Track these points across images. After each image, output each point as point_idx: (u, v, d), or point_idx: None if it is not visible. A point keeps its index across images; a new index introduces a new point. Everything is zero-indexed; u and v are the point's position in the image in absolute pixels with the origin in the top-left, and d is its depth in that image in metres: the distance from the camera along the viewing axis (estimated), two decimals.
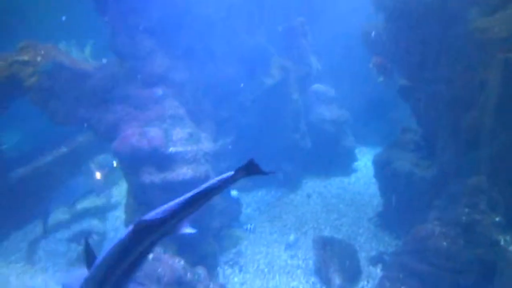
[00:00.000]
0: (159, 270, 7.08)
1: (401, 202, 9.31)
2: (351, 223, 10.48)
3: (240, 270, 9.00)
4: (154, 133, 8.37)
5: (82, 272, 3.51)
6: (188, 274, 7.23)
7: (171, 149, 8.31)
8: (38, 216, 11.01)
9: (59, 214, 11.48)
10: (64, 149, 11.82)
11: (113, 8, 9.20)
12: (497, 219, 6.65)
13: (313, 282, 8.47)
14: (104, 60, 9.68)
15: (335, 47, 15.02)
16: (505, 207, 6.73)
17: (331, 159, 13.17)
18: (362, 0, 10.67)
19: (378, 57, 9.59)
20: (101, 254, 3.36)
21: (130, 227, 3.22)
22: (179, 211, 3.19)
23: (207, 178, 8.07)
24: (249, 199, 11.98)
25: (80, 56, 11.98)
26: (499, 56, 6.59)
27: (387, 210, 10.08)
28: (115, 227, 10.85)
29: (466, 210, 6.89)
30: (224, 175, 3.15)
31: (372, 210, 10.88)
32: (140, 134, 8.32)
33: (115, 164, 8.91)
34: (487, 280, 6.42)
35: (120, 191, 12.07)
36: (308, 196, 12.05)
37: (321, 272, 8.49)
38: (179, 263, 7.31)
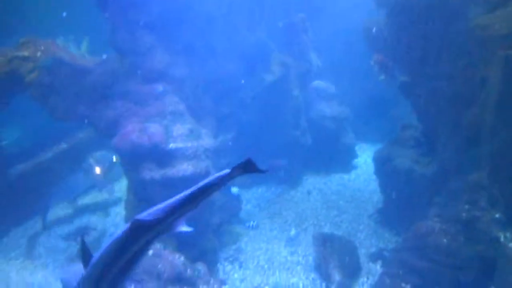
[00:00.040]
0: (159, 266, 7.09)
1: (401, 199, 9.32)
2: (351, 219, 10.49)
3: (240, 266, 9.01)
4: (155, 129, 8.36)
5: (81, 268, 3.52)
6: (188, 270, 7.25)
7: (172, 145, 8.31)
8: (38, 212, 11.03)
9: (59, 210, 11.53)
10: (64, 145, 11.82)
11: (113, 3, 9.18)
12: (497, 215, 6.64)
13: (313, 278, 8.48)
14: (104, 56, 9.64)
15: (335, 43, 15.00)
16: (505, 204, 6.71)
17: (331, 155, 13.17)
18: None
19: (379, 54, 9.56)
20: (98, 251, 3.36)
21: (127, 226, 3.22)
22: (176, 209, 3.19)
23: (207, 174, 8.07)
24: (249, 195, 11.99)
25: (77, 52, 11.92)
26: (499, 53, 6.56)
27: (387, 207, 10.08)
28: (115, 223, 10.87)
29: (466, 206, 6.89)
30: (221, 173, 3.13)
31: (372, 206, 10.89)
32: (140, 130, 8.31)
33: (114, 159, 8.89)
34: (487, 276, 6.41)
35: (120, 187, 12.07)
36: (308, 192, 12.06)
37: (321, 268, 8.50)
38: (179, 259, 7.32)
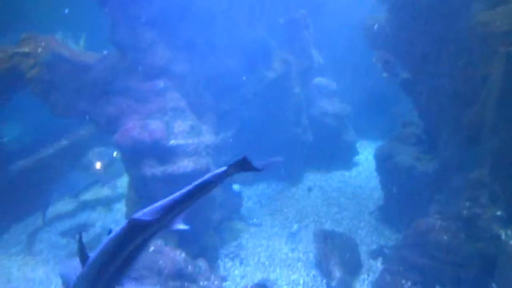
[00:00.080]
0: (160, 262, 7.09)
1: (402, 196, 9.31)
2: (352, 216, 10.49)
3: (241, 263, 9.02)
4: (156, 125, 8.35)
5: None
6: (189, 267, 7.25)
7: (172, 142, 8.30)
8: (39, 208, 11.04)
9: (61, 206, 11.52)
10: (65, 142, 11.81)
11: None
12: (498, 213, 6.63)
13: (313, 275, 8.49)
14: (105, 52, 9.62)
15: (337, 39, 14.94)
16: (506, 201, 6.70)
17: (333, 152, 13.17)
18: None
19: (382, 52, 9.52)
20: (95, 250, 3.37)
21: (123, 225, 3.23)
22: (173, 208, 3.20)
23: (208, 171, 8.06)
24: (250, 192, 11.99)
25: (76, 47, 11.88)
26: (501, 50, 6.54)
27: (388, 204, 10.08)
28: (117, 220, 10.87)
29: (467, 204, 6.88)
30: (217, 171, 3.15)
31: (373, 204, 10.89)
32: (141, 127, 8.31)
33: (115, 154, 8.89)
34: (488, 274, 6.41)
35: (122, 183, 12.04)
36: (309, 189, 12.05)
37: (321, 265, 8.50)
38: (180, 255, 7.33)
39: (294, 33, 12.99)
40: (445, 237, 6.87)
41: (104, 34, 9.34)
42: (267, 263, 8.98)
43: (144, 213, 3.19)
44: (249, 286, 7.78)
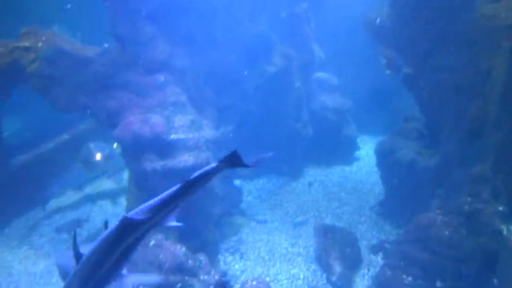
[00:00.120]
0: (161, 256, 7.10)
1: (403, 191, 9.29)
2: (353, 211, 10.48)
3: (241, 257, 9.03)
4: (156, 120, 8.33)
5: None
6: (190, 261, 7.25)
7: (173, 136, 8.29)
8: (39, 202, 11.05)
9: (63, 199, 11.50)
10: (65, 136, 11.81)
11: None
12: (500, 208, 6.61)
13: (313, 270, 8.49)
14: (106, 45, 9.57)
15: (338, 34, 14.84)
16: (508, 197, 6.68)
17: (333, 147, 13.13)
18: None
19: (384, 48, 9.46)
20: (89, 249, 3.37)
21: (116, 224, 3.24)
22: (165, 205, 3.20)
23: (208, 165, 8.03)
24: (250, 187, 11.97)
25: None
26: (505, 44, 6.50)
27: (388, 199, 10.07)
28: (119, 213, 10.86)
29: (469, 199, 6.85)
30: (207, 167, 3.16)
31: (374, 198, 10.87)
32: (142, 121, 8.30)
33: (115, 146, 8.86)
34: (489, 269, 6.40)
35: (127, 176, 11.94)
36: (310, 184, 12.03)
37: (321, 259, 8.50)
38: (180, 249, 7.33)
39: (296, 27, 12.90)
40: (447, 232, 6.86)
41: (101, 29, 9.28)
42: (267, 257, 8.98)
43: (136, 212, 3.20)
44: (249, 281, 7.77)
